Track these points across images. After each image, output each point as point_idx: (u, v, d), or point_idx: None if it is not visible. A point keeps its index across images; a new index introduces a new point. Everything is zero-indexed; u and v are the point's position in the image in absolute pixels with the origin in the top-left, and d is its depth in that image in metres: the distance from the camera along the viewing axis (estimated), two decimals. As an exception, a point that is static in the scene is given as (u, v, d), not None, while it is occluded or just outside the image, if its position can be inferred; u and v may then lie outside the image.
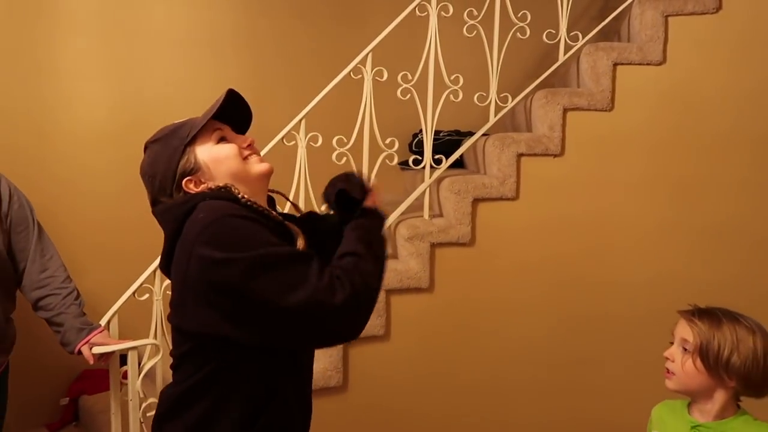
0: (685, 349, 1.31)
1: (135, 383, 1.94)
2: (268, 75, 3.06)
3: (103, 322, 1.94)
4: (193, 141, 1.16)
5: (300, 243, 1.15)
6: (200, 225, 1.05)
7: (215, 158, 1.16)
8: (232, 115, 1.22)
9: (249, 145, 1.20)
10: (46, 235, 1.85)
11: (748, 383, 1.27)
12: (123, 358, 1.96)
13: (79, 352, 1.78)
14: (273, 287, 0.99)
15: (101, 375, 2.71)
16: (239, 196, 1.13)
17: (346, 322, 1.03)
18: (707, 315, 1.31)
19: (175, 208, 1.12)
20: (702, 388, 1.31)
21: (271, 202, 1.27)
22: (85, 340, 1.78)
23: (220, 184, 1.14)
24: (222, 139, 1.18)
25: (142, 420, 1.96)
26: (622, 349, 2.58)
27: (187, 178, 1.15)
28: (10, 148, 2.64)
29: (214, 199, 1.10)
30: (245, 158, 1.18)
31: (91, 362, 1.79)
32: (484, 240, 2.42)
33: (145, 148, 1.21)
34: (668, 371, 1.34)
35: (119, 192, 2.78)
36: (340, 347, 2.24)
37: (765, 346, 1.26)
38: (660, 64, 2.52)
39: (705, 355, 1.27)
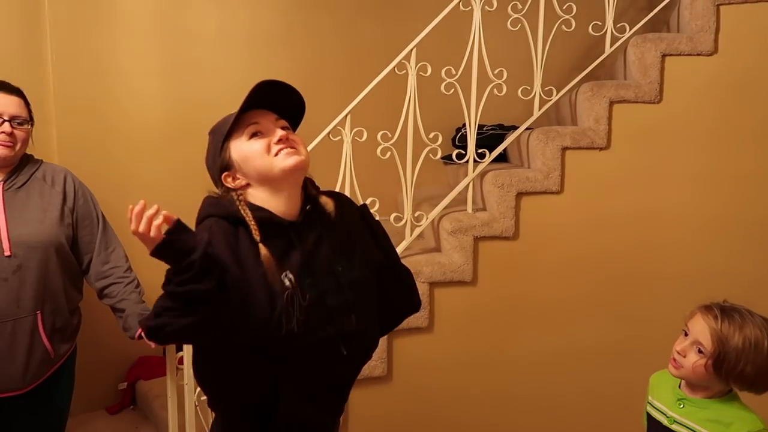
0: (701, 352, 1.32)
1: (190, 368, 2.03)
2: (315, 73, 3.09)
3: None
4: (229, 137, 1.17)
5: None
6: None
7: (244, 157, 1.16)
8: (278, 101, 1.20)
9: (281, 139, 1.15)
10: (110, 227, 1.95)
11: (752, 387, 1.31)
12: (179, 344, 2.05)
13: (140, 337, 1.87)
14: None
15: (155, 362, 2.84)
16: (248, 219, 1.13)
17: None
18: (727, 318, 1.31)
19: (202, 210, 1.20)
20: (704, 384, 1.35)
21: (308, 198, 1.23)
22: (145, 326, 1.87)
23: (250, 183, 1.18)
24: (255, 134, 1.16)
25: (197, 403, 2.05)
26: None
27: (225, 173, 1.19)
28: (75, 147, 2.76)
29: (222, 218, 1.15)
30: (276, 154, 1.15)
31: (152, 347, 1.88)
32: (527, 234, 2.42)
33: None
34: (675, 361, 1.37)
35: (174, 185, 2.88)
36: (385, 337, 2.28)
37: None
38: (711, 54, 2.47)
39: (719, 365, 1.29)
